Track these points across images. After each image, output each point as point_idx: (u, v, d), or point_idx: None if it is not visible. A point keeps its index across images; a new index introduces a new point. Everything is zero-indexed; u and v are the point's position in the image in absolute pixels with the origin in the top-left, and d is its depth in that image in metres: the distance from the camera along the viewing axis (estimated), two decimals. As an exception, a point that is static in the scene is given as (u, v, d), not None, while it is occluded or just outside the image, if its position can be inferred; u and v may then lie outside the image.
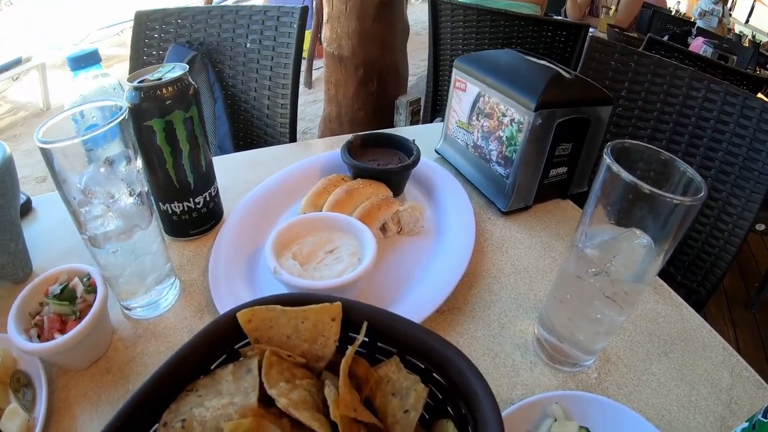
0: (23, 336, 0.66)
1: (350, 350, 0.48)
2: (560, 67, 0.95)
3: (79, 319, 0.68)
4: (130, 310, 0.76)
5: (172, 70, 0.76)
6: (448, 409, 0.49)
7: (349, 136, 0.98)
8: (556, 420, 0.58)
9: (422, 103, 2.38)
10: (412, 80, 3.53)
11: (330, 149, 1.10)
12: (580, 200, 0.98)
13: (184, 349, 0.49)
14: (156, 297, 0.76)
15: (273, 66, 1.50)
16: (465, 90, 1.02)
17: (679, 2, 6.16)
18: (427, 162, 1.01)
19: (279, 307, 0.50)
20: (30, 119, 5.18)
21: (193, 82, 0.76)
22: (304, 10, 1.42)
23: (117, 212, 0.65)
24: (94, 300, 0.69)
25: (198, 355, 0.50)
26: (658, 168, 0.56)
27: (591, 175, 1.01)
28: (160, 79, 0.74)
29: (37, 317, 0.69)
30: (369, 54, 2.65)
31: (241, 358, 0.51)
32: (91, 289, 0.70)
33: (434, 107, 2.16)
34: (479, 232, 0.89)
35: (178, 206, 0.82)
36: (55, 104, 5.34)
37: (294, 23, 1.42)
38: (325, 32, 2.72)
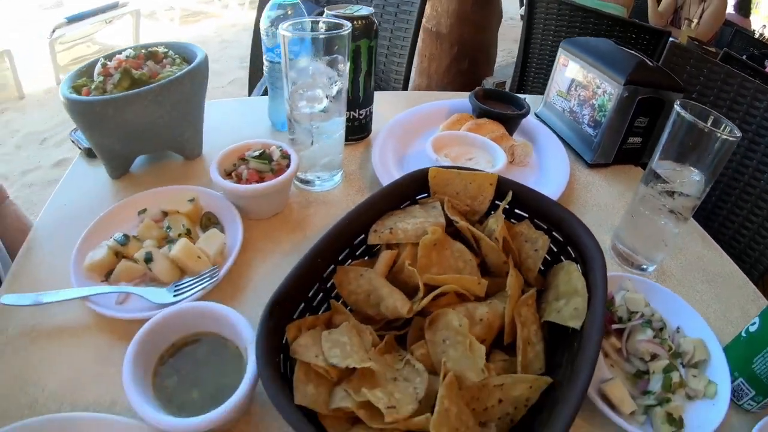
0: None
1: (503, 203, 0.70)
2: (645, 57, 1.15)
3: (276, 175, 0.89)
4: (306, 183, 1.00)
5: (360, 10, 0.99)
6: (562, 258, 0.70)
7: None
8: (628, 291, 0.80)
9: (507, 86, 2.57)
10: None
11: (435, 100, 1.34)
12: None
13: (386, 188, 0.72)
14: (328, 174, 0.99)
15: (393, 29, 1.72)
16: (567, 66, 1.23)
17: (765, 26, 6.04)
18: (531, 119, 1.23)
19: (456, 170, 0.73)
20: (119, 61, 5.47)
21: (376, 21, 1.00)
22: (428, -16, 1.64)
23: (329, 98, 0.88)
24: (288, 164, 0.91)
25: (395, 193, 0.73)
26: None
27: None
28: (353, 13, 0.97)
29: (233, 173, 0.91)
30: (465, 33, 2.85)
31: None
32: (285, 156, 0.93)
33: (519, 90, 2.33)
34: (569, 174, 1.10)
35: (347, 113, 1.05)
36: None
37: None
38: (426, 9, 2.91)
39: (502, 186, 0.72)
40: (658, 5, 3.47)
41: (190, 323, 0.68)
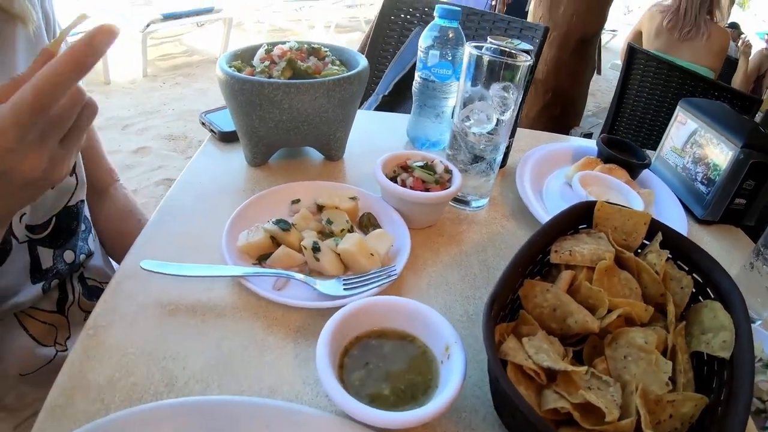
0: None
1: (653, 244, 0.81)
2: (757, 124, 1.26)
3: (441, 187, 0.95)
4: (457, 201, 1.08)
5: (520, 44, 1.05)
6: (700, 298, 0.79)
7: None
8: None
9: (593, 138, 2.66)
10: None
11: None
12: (748, 232, 1.27)
13: (558, 216, 0.82)
14: (478, 197, 1.08)
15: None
16: (685, 124, 1.33)
17: None
18: (648, 171, 1.33)
19: (618, 206, 0.83)
20: (205, 63, 5.67)
21: (534, 58, 1.10)
22: (546, 30, 1.74)
23: (499, 123, 0.98)
24: (449, 179, 0.98)
25: (565, 221, 0.83)
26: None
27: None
28: (515, 46, 1.03)
29: (397, 178, 0.97)
30: (559, 82, 2.93)
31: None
32: (447, 170, 0.99)
33: (607, 142, 2.41)
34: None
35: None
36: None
37: (537, 38, 1.75)
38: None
39: (652, 226, 0.83)
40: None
41: (378, 318, 0.71)
